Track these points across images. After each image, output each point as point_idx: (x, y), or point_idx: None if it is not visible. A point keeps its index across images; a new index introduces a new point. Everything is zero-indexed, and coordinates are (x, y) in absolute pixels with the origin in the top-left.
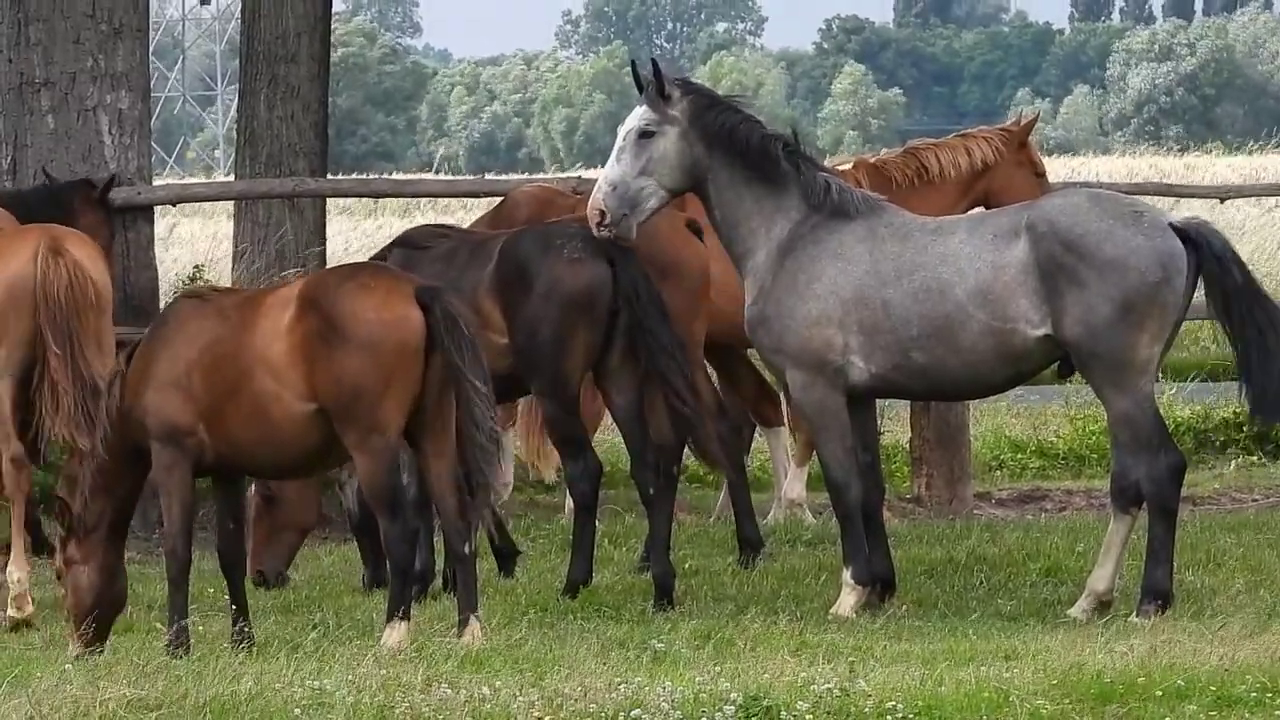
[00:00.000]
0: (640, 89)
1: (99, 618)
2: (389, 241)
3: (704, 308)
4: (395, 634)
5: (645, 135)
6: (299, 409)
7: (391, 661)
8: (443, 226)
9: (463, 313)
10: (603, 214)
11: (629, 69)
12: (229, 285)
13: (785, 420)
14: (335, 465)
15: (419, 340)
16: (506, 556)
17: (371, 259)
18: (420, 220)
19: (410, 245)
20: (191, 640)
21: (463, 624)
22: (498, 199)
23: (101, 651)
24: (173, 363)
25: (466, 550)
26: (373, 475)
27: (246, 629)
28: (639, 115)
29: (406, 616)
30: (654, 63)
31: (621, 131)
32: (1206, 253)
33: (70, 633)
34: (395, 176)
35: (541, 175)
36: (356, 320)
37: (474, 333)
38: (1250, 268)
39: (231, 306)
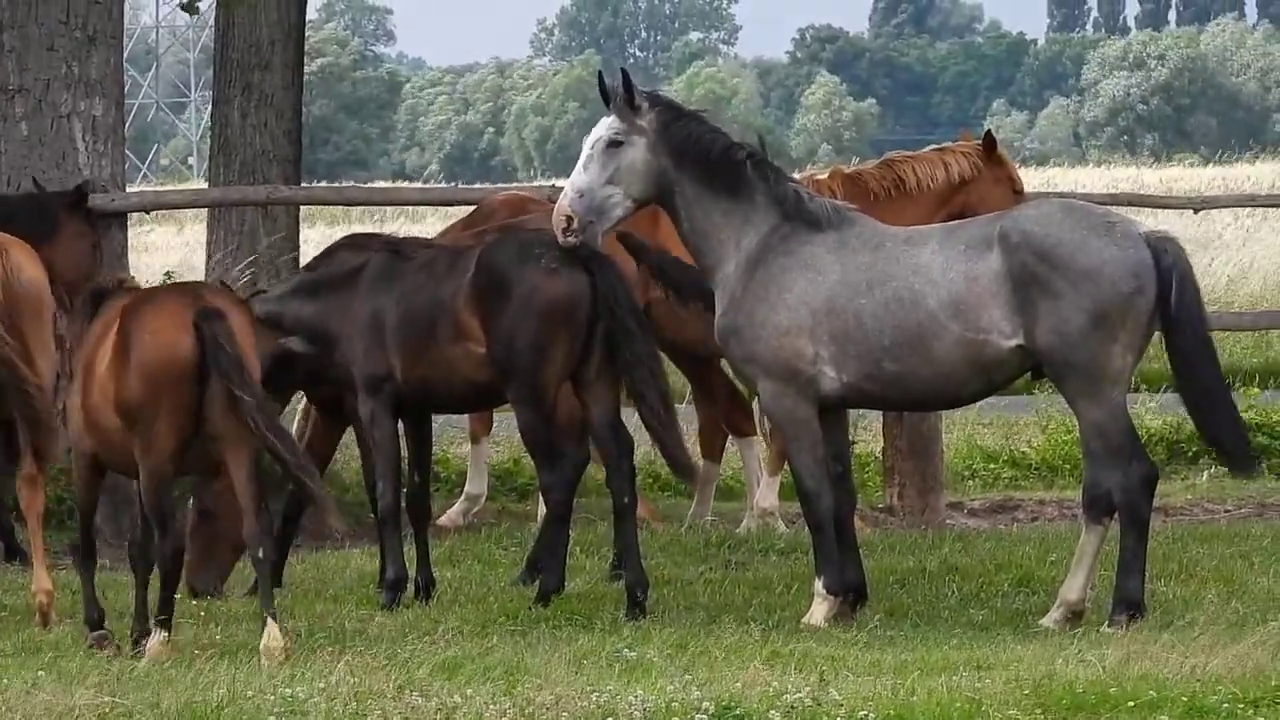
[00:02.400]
0: (606, 101)
1: None
2: (325, 248)
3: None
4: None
5: (613, 145)
6: (116, 421)
7: (364, 669)
8: (375, 235)
9: (229, 336)
10: (569, 220)
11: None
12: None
13: (758, 430)
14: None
15: (186, 364)
16: (425, 587)
17: (319, 256)
18: (390, 228)
19: (396, 253)
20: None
21: (262, 625)
22: (471, 207)
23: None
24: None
25: (261, 554)
26: (144, 490)
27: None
28: (607, 125)
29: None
30: (623, 73)
31: (589, 140)
32: (1160, 266)
33: None
34: (369, 184)
35: (515, 184)
36: (136, 344)
37: (242, 354)
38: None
39: (109, 309)
